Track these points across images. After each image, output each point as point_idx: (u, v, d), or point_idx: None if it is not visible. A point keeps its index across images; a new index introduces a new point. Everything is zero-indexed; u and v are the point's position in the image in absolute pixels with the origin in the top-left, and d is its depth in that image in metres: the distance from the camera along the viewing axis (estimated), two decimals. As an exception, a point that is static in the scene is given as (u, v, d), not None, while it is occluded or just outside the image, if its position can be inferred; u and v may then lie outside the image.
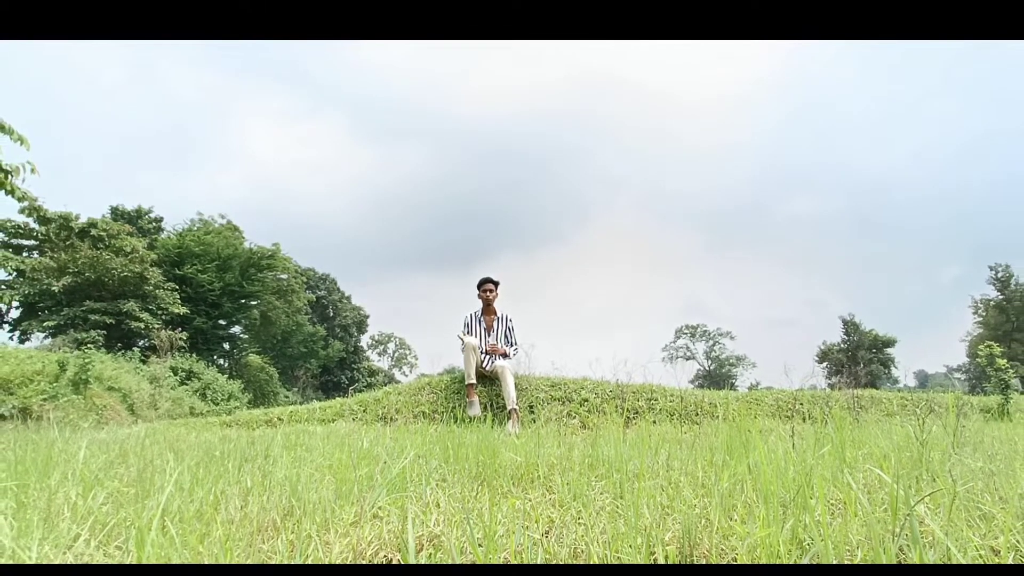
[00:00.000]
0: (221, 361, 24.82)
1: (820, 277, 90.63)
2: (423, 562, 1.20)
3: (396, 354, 56.58)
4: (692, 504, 1.45)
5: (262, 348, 29.64)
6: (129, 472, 2.05)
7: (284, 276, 27.77)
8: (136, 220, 24.04)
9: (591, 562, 1.17)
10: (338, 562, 1.20)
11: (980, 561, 1.12)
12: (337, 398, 5.93)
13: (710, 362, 55.81)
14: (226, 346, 25.60)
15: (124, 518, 1.39)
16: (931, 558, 1.10)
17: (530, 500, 1.65)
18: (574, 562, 1.20)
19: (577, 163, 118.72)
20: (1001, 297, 35.42)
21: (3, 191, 5.15)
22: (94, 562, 1.20)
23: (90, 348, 10.37)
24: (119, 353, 14.58)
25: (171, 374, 14.18)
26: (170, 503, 1.46)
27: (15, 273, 17.09)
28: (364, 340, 48.25)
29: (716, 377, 52.77)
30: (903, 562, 1.13)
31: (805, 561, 1.13)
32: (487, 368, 5.15)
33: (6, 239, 17.89)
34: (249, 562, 1.19)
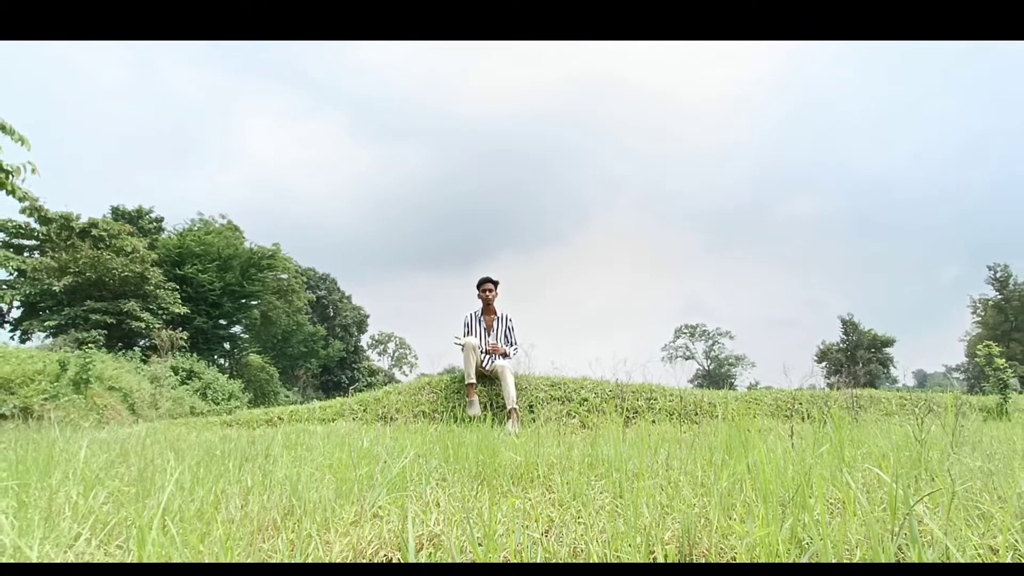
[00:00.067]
0: (222, 361, 24.84)
1: (819, 277, 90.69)
2: (423, 561, 1.20)
3: (396, 354, 56.63)
4: (691, 503, 1.45)
5: (262, 348, 29.66)
6: (130, 471, 2.05)
7: (284, 276, 27.78)
8: (137, 220, 24.04)
9: (591, 561, 1.17)
10: (338, 561, 1.20)
11: (979, 560, 1.12)
12: (337, 398, 5.94)
13: (709, 362, 55.81)
14: (227, 346, 25.61)
15: (125, 517, 1.40)
16: (930, 557, 1.11)
17: (530, 499, 1.66)
18: (574, 561, 1.20)
19: (577, 163, 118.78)
20: (1000, 297, 35.44)
21: (4, 191, 5.16)
22: (95, 561, 1.20)
23: (91, 348, 10.38)
24: (120, 353, 14.59)
25: (172, 374, 14.19)
26: (171, 502, 1.46)
27: (16, 273, 17.11)
28: (364, 340, 48.29)
29: (715, 377, 52.77)
30: (902, 561, 1.13)
31: (804, 560, 1.13)
32: (487, 368, 5.15)
33: (7, 239, 17.91)
34: (249, 561, 1.20)
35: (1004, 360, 6.89)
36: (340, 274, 66.04)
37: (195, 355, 17.30)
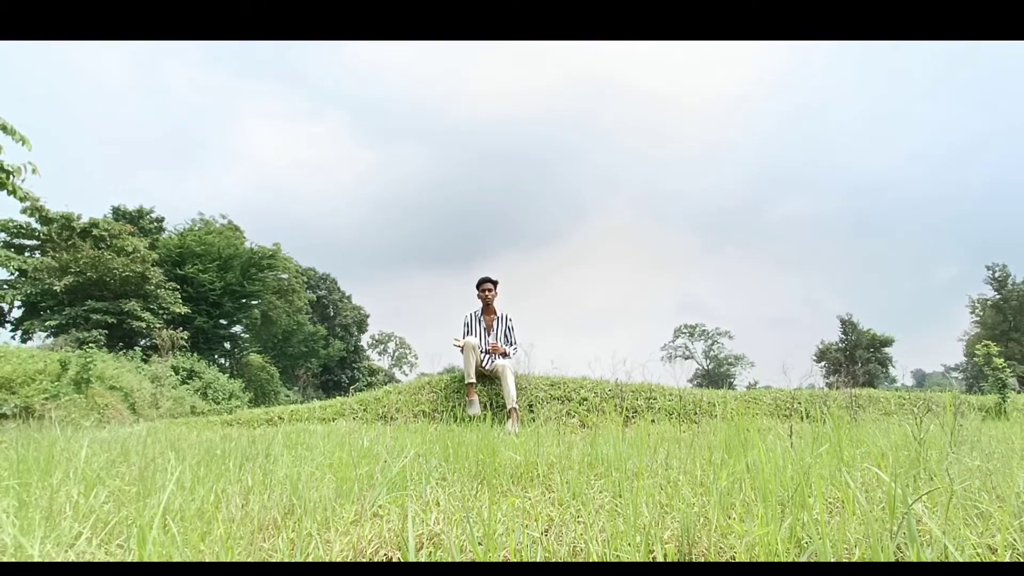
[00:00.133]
0: (222, 360, 24.85)
1: (818, 277, 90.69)
2: (423, 560, 1.20)
3: (396, 353, 56.65)
4: (691, 503, 1.45)
5: (263, 347, 29.69)
6: (131, 471, 2.06)
7: (285, 276, 27.79)
8: (138, 220, 24.06)
9: (590, 560, 1.18)
10: (339, 560, 1.20)
11: (977, 559, 1.12)
12: (337, 397, 5.94)
13: (709, 361, 55.79)
14: (227, 345, 25.63)
15: (126, 516, 1.40)
16: (928, 556, 1.11)
17: (529, 499, 1.66)
18: (573, 560, 1.21)
19: (576, 163, 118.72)
20: (998, 297, 35.44)
21: (5, 191, 5.16)
22: (96, 560, 1.20)
23: (92, 347, 10.37)
24: (121, 352, 14.61)
25: (172, 373, 14.19)
26: (171, 502, 1.47)
27: (17, 273, 17.12)
28: (364, 339, 48.30)
29: (715, 376, 52.76)
30: (901, 560, 1.13)
31: (803, 559, 1.13)
32: (487, 367, 5.16)
33: (8, 239, 17.92)
34: (250, 560, 1.20)
35: (1002, 360, 6.89)
36: (340, 274, 66.14)
37: (196, 355, 17.31)
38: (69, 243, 17.37)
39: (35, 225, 17.68)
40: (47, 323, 16.66)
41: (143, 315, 17.41)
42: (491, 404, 5.08)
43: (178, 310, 19.23)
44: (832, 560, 1.09)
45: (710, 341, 56.50)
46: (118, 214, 24.09)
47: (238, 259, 23.84)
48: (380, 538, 1.31)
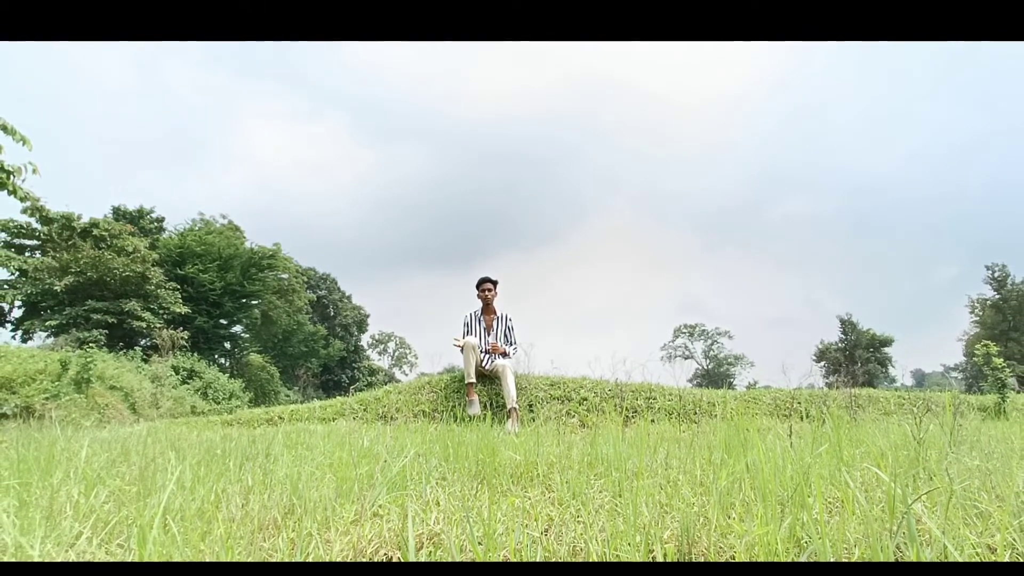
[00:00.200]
0: (222, 360, 24.86)
1: (818, 277, 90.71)
2: (423, 560, 1.21)
3: (396, 353, 56.65)
4: (690, 502, 1.45)
5: (263, 347, 29.68)
6: (131, 470, 2.06)
7: (285, 276, 27.80)
8: (138, 220, 24.07)
9: (590, 560, 1.18)
10: (339, 560, 1.21)
11: (977, 559, 1.12)
12: (338, 397, 5.95)
13: (708, 361, 55.79)
14: (227, 345, 25.64)
15: (126, 516, 1.40)
16: (928, 556, 1.11)
17: (529, 498, 1.66)
18: (573, 560, 1.21)
19: (576, 163, 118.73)
20: (998, 296, 35.45)
21: (5, 191, 5.17)
22: (96, 560, 1.21)
23: (92, 347, 10.37)
24: (121, 352, 14.61)
25: (173, 373, 14.20)
26: (172, 501, 1.47)
27: (17, 273, 17.13)
28: (364, 339, 48.31)
29: (714, 376, 52.76)
30: (900, 560, 1.13)
31: (803, 559, 1.13)
32: (487, 367, 5.16)
33: (8, 239, 17.93)
34: (250, 560, 1.20)
35: (1002, 359, 6.89)
36: (340, 274, 66.17)
37: (196, 355, 17.31)
38: (69, 243, 17.38)
39: (35, 225, 17.68)
40: (47, 323, 16.67)
41: (143, 315, 17.42)
42: (491, 404, 5.09)
43: (178, 310, 19.24)
44: (832, 560, 1.09)
45: (710, 341, 56.52)
46: (118, 214, 24.10)
47: (238, 259, 23.85)
48: (380, 538, 1.31)
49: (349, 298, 44.72)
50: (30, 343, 17.55)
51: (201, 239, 23.08)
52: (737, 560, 1.17)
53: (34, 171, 5.18)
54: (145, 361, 14.36)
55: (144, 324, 17.37)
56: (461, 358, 5.06)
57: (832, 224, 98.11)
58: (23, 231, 17.87)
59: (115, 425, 6.87)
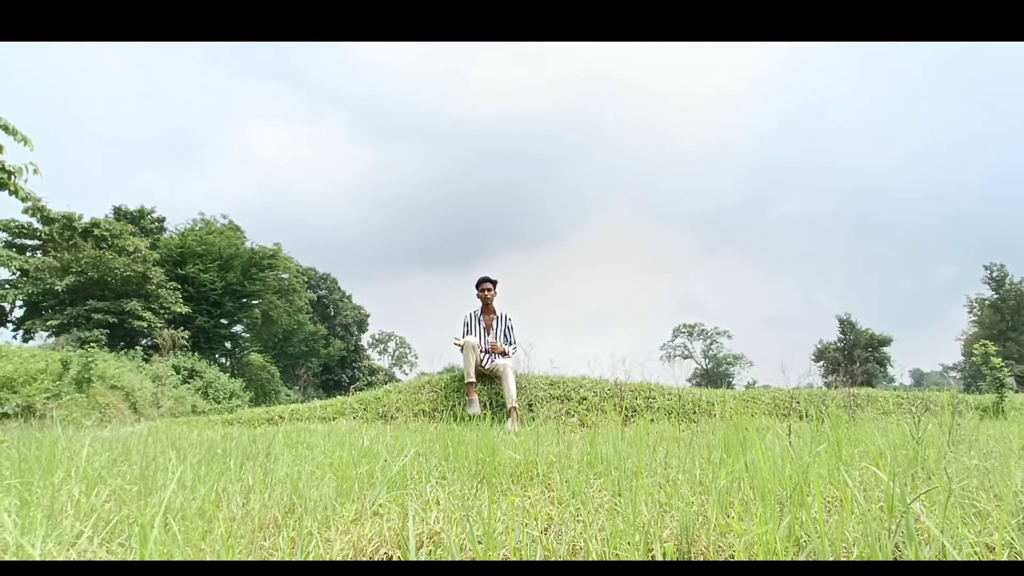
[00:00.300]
0: (223, 360, 24.88)
1: (817, 276, 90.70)
2: (423, 559, 1.21)
3: (396, 353, 56.67)
4: (690, 502, 1.45)
5: (263, 347, 29.70)
6: (132, 470, 2.06)
7: (285, 276, 27.83)
8: (139, 220, 24.09)
9: (590, 559, 1.18)
10: (339, 559, 1.21)
11: (975, 558, 1.13)
12: (338, 396, 5.95)
13: (708, 361, 55.79)
14: (228, 345, 25.66)
15: (127, 515, 1.41)
16: (927, 555, 1.11)
17: (529, 498, 1.66)
18: (573, 559, 1.21)
19: (576, 163, 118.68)
20: (996, 296, 35.45)
21: (7, 191, 5.17)
22: (97, 559, 1.21)
23: (93, 347, 10.38)
24: (122, 352, 14.62)
25: (173, 373, 14.21)
26: (172, 500, 1.47)
27: (19, 272, 17.14)
28: (364, 339, 48.33)
29: (714, 376, 52.77)
30: (899, 559, 1.13)
31: (802, 558, 1.14)
32: (487, 367, 5.16)
33: (10, 239, 17.94)
34: (251, 559, 1.20)
35: (1000, 359, 6.90)
36: (340, 274, 66.22)
37: (196, 354, 17.33)
38: (70, 243, 17.39)
39: (37, 225, 17.70)
40: (48, 323, 16.68)
41: (144, 315, 17.43)
42: (491, 403, 5.09)
43: (179, 310, 19.25)
44: (830, 559, 1.09)
45: (709, 340, 56.52)
46: (119, 214, 24.13)
47: (239, 259, 23.87)
48: (380, 537, 1.31)
49: (349, 298, 44.74)
50: (31, 343, 17.59)
51: (202, 239, 23.10)
52: (736, 559, 1.17)
53: (35, 171, 5.18)
54: (146, 361, 14.38)
55: (145, 324, 17.39)
56: (461, 357, 5.06)
57: (831, 224, 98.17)
58: (24, 231, 17.88)
59: (116, 424, 6.88)
